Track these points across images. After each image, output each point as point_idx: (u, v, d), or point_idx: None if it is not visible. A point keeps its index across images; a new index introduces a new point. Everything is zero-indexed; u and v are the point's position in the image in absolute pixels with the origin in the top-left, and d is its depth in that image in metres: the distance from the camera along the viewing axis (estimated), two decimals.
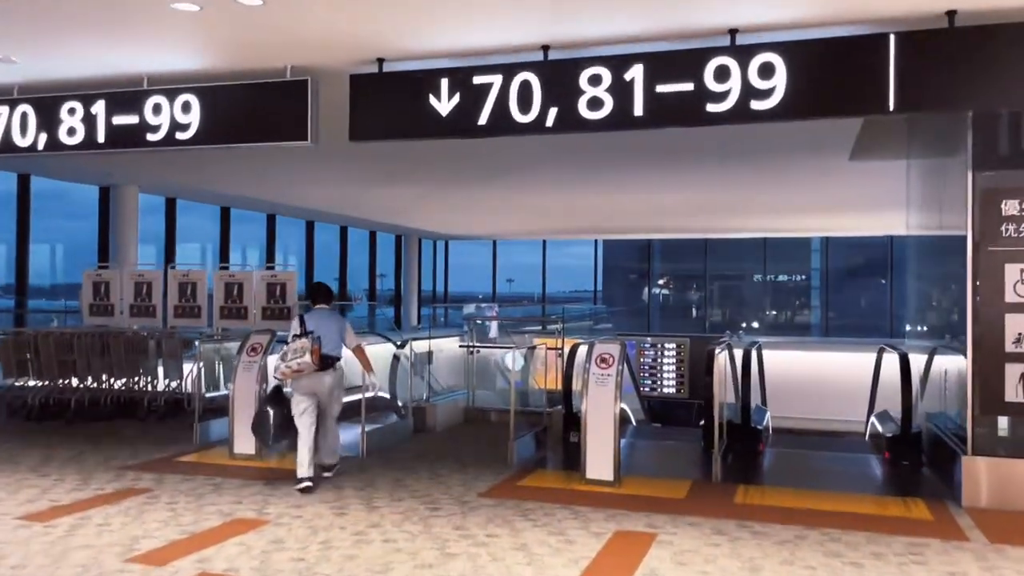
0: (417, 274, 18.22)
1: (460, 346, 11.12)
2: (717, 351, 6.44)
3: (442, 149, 8.03)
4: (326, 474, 5.92)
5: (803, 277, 24.87)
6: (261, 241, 14.97)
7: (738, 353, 7.56)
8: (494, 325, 12.67)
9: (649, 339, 17.44)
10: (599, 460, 5.74)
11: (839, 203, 12.33)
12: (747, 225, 15.38)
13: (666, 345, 17.11)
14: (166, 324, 8.63)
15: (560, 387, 7.30)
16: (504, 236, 19.01)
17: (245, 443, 6.54)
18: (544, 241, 19.34)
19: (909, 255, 8.85)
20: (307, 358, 5.53)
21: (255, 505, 5.17)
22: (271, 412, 5.79)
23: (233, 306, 8.18)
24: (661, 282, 25.67)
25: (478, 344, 10.20)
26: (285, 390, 5.89)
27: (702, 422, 7.18)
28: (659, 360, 17.07)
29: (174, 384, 8.44)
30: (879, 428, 7.12)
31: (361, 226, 16.40)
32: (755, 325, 21.50)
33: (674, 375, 16.88)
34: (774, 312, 23.98)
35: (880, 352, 7.56)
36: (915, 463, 6.47)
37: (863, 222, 14.56)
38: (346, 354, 6.02)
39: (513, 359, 9.69)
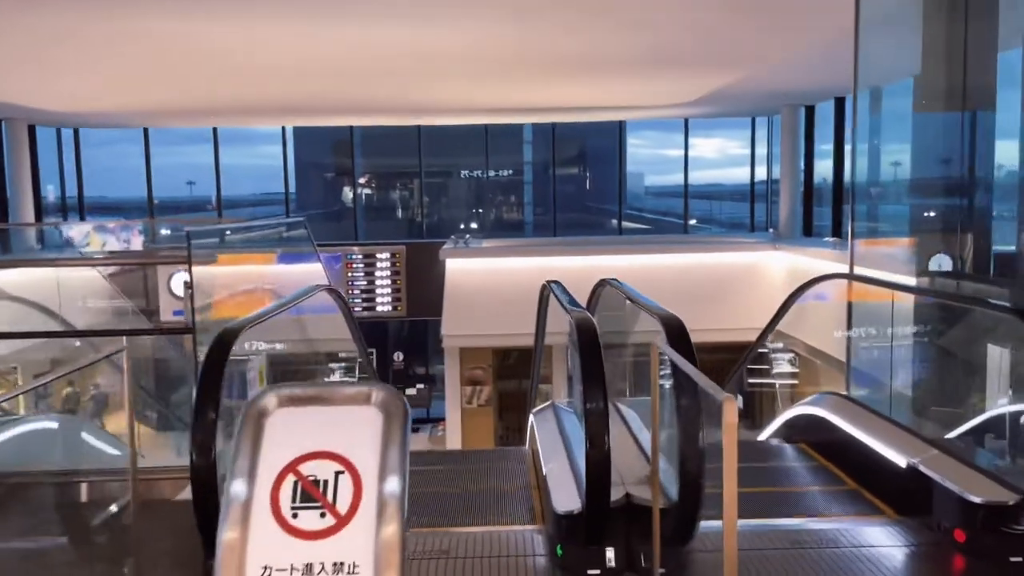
0: (31, 174, 13.17)
1: None
2: None
3: None
4: None
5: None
6: None
7: None
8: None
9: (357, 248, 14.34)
10: None
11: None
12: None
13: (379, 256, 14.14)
14: None
15: None
16: (156, 122, 14.46)
17: None
18: (215, 129, 15.08)
19: None
20: None
21: None
22: None
23: None
24: (362, 180, 22.46)
25: None
26: None
27: None
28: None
29: None
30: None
31: None
32: (474, 226, 19.36)
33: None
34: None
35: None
36: None
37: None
38: None
39: None
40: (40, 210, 13.88)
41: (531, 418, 5.30)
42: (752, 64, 8.67)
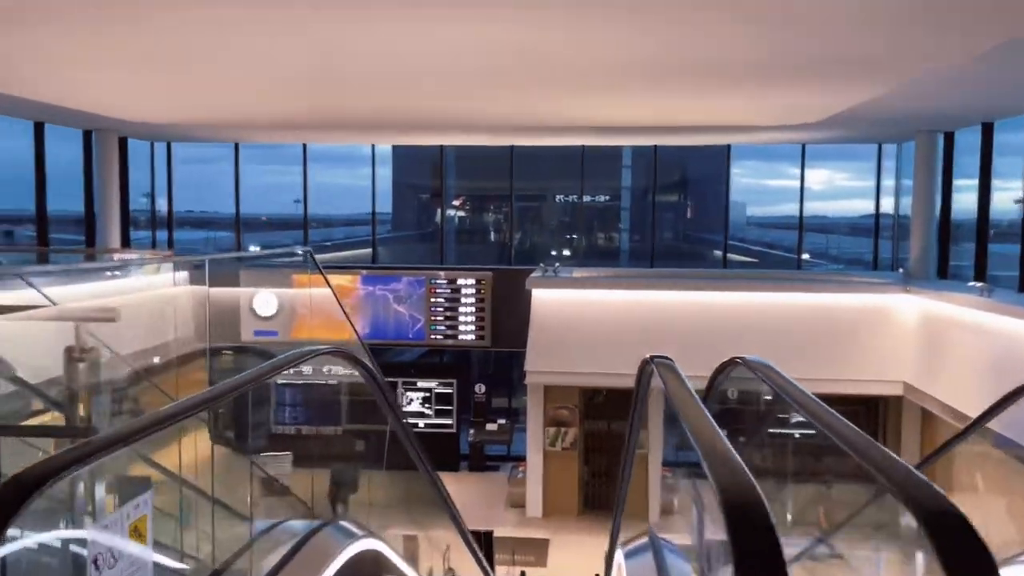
0: (119, 186, 13.03)
1: None
2: None
3: None
4: None
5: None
6: None
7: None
8: None
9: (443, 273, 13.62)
10: None
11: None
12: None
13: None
14: None
15: None
16: (247, 136, 14.18)
17: None
18: (304, 147, 14.72)
19: None
20: None
21: None
22: None
23: None
24: (457, 202, 21.96)
25: None
26: None
27: None
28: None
29: None
30: None
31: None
32: (566, 253, 18.46)
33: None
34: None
35: None
36: None
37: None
38: None
39: None
40: (127, 224, 13.75)
41: (618, 557, 4.09)
42: (897, 76, 7.43)
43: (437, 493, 4.93)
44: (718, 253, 18.62)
